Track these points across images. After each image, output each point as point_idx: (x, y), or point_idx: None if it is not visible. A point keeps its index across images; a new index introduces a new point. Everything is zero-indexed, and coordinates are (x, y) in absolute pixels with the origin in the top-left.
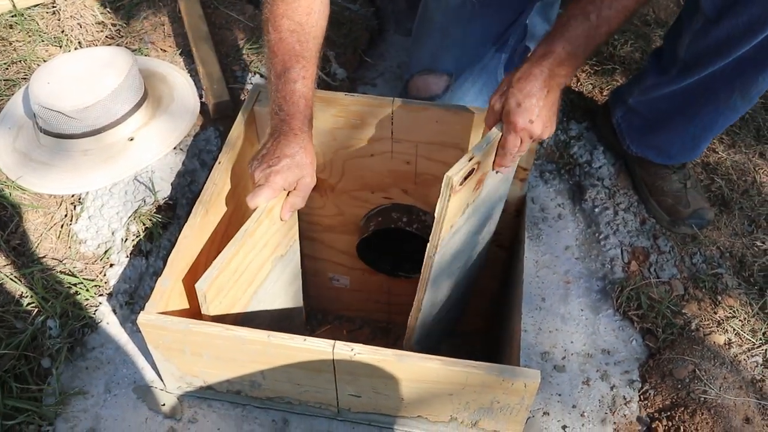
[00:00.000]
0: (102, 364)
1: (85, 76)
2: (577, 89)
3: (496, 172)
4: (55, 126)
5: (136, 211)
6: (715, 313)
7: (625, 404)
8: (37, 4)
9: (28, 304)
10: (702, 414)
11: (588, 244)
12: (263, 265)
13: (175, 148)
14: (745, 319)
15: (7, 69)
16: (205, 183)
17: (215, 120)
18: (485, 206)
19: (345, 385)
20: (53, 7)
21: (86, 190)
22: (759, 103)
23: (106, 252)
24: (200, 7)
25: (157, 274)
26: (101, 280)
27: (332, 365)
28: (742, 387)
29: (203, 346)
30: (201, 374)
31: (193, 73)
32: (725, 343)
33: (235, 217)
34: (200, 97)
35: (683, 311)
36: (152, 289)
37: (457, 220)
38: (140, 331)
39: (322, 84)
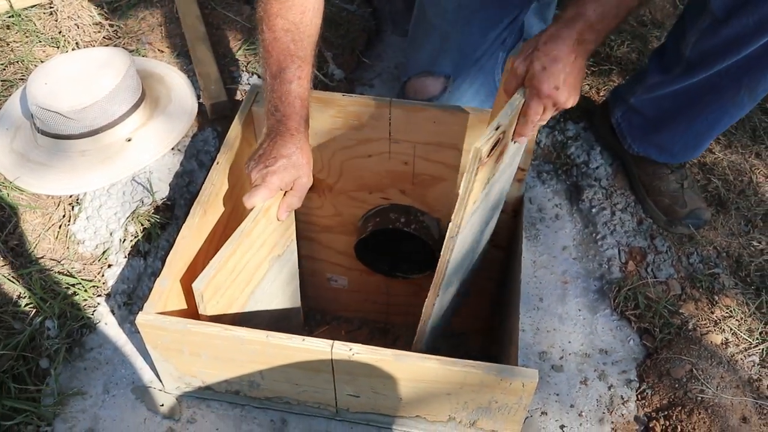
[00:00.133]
0: (100, 364)
1: (82, 76)
2: None
3: (514, 142)
4: (53, 127)
5: (134, 212)
6: (712, 312)
7: (623, 404)
8: (35, 5)
9: (27, 304)
10: (699, 413)
11: (585, 244)
12: (260, 264)
13: (172, 148)
14: (741, 318)
15: (4, 70)
16: (203, 183)
17: (213, 120)
18: (498, 188)
19: (343, 385)
20: (50, 7)
21: (84, 191)
22: (758, 106)
23: (104, 252)
24: (197, 7)
25: (156, 274)
26: (99, 281)
27: (331, 365)
28: (739, 386)
29: (202, 347)
30: (199, 374)
31: (191, 74)
32: (722, 343)
33: (233, 217)
34: (198, 97)
35: (680, 311)
36: (150, 289)
37: (480, 195)
38: (139, 332)
39: (320, 85)
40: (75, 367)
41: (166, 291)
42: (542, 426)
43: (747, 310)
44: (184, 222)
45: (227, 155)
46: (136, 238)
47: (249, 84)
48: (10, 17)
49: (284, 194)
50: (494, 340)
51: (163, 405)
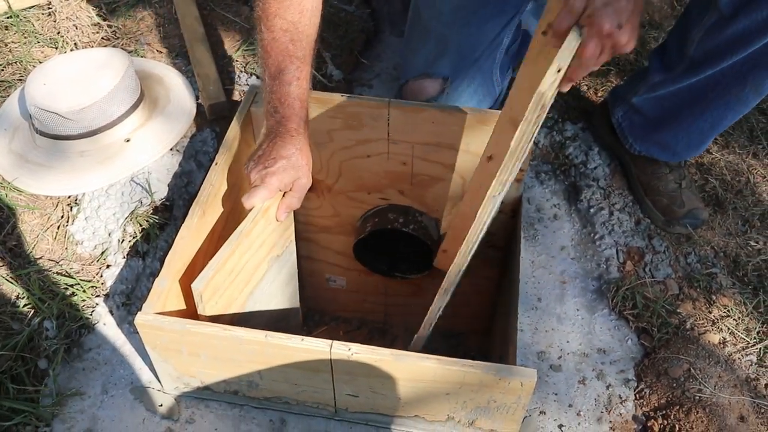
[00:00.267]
0: (99, 365)
1: (81, 77)
2: (571, 90)
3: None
4: (51, 127)
5: (132, 212)
6: (710, 312)
7: (621, 403)
8: (33, 6)
9: (25, 305)
10: (697, 412)
11: (583, 244)
12: (259, 265)
13: (171, 149)
14: (739, 318)
15: (2, 70)
16: (201, 184)
17: (211, 121)
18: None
19: (342, 385)
20: (49, 8)
21: (83, 192)
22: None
23: (102, 253)
24: (196, 8)
25: (154, 275)
26: (98, 281)
27: (330, 365)
28: (736, 385)
29: (200, 347)
30: (198, 374)
31: (190, 75)
32: (720, 342)
33: (232, 217)
34: (196, 98)
35: (678, 311)
36: (149, 289)
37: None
38: (137, 332)
39: (319, 85)
40: (73, 367)
41: (165, 291)
42: (541, 425)
43: (744, 310)
44: (182, 222)
45: (226, 156)
46: (135, 239)
47: (247, 84)
48: (8, 18)
49: (283, 195)
50: (493, 340)
51: (161, 405)
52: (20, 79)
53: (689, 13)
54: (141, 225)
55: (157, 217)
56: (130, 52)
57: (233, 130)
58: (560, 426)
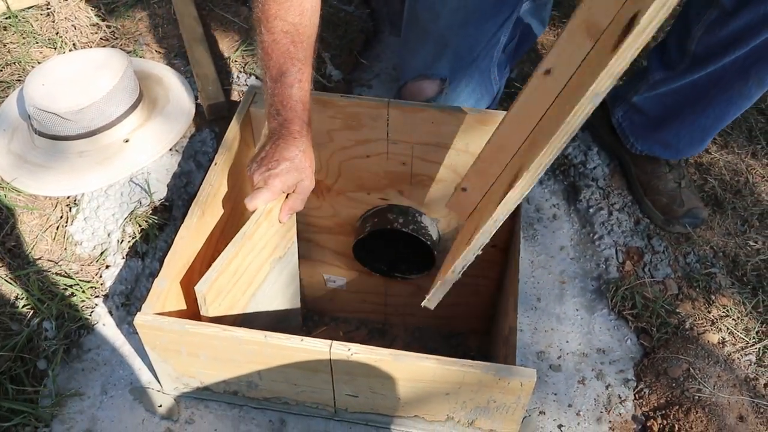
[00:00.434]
0: (98, 365)
1: (79, 77)
2: None
3: None
4: (50, 128)
5: (131, 213)
6: (709, 312)
7: (621, 403)
8: (32, 6)
9: (24, 305)
10: (696, 412)
11: (583, 244)
12: (262, 266)
13: (170, 149)
14: (738, 318)
15: (1, 71)
16: (201, 184)
17: (211, 121)
18: None
19: (342, 385)
20: (47, 8)
21: (82, 192)
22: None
23: (102, 253)
24: (195, 8)
25: (154, 275)
26: (97, 282)
27: (329, 365)
28: (735, 385)
29: (200, 347)
30: (198, 375)
31: (189, 75)
32: (719, 342)
33: (232, 218)
34: (195, 98)
35: (677, 310)
36: (148, 290)
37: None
38: (137, 333)
39: (318, 85)
40: (73, 368)
41: (165, 292)
42: (540, 425)
43: (744, 310)
44: (182, 223)
45: (225, 156)
46: (134, 239)
47: (246, 85)
48: (6, 18)
49: (286, 197)
50: (492, 340)
51: (161, 406)
52: (19, 80)
53: (689, 9)
54: (140, 225)
55: (156, 218)
56: (128, 52)
57: (232, 130)
58: (560, 426)
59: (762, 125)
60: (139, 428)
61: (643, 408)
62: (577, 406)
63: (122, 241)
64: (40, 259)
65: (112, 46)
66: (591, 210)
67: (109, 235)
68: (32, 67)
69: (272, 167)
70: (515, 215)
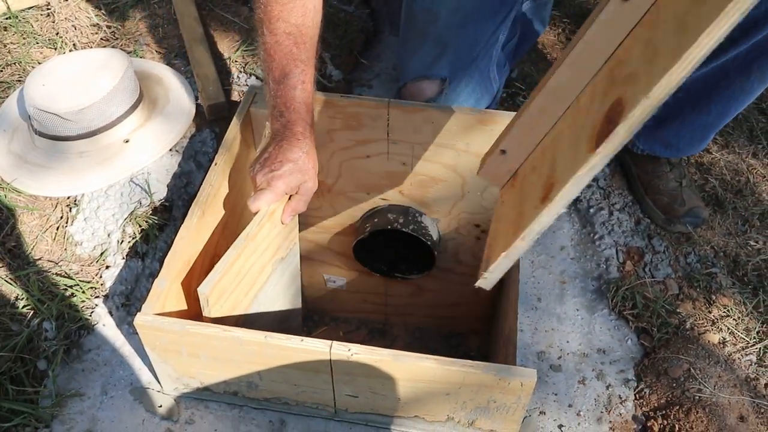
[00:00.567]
0: (98, 365)
1: (80, 78)
2: None
3: None
4: (51, 128)
5: (132, 213)
6: (710, 312)
7: (621, 403)
8: (32, 6)
9: (24, 306)
10: (697, 412)
11: (583, 244)
12: (264, 268)
13: (170, 149)
14: (739, 318)
15: (1, 71)
16: (201, 184)
17: (211, 121)
18: None
19: (342, 386)
20: (48, 9)
21: (82, 192)
22: (752, 104)
23: (102, 254)
24: (195, 8)
25: (154, 275)
26: (97, 282)
27: (329, 365)
28: (736, 385)
29: (200, 347)
30: (198, 375)
31: (189, 75)
32: (720, 342)
33: (232, 218)
34: (196, 98)
35: (678, 310)
36: (149, 290)
37: None
38: (137, 333)
39: (319, 86)
40: (73, 368)
41: (165, 292)
42: (541, 425)
43: (744, 310)
44: (182, 223)
45: (225, 156)
46: (134, 240)
47: (247, 85)
48: (7, 19)
49: (289, 198)
50: (492, 340)
51: (161, 406)
52: (19, 80)
53: None
54: (140, 226)
55: (156, 218)
56: (129, 52)
57: (233, 130)
58: (560, 426)
59: (763, 125)
60: (139, 428)
61: (643, 408)
62: (578, 407)
63: (122, 241)
64: (40, 259)
65: (113, 47)
66: (591, 210)
67: (109, 235)
68: (32, 67)
69: (275, 168)
70: None
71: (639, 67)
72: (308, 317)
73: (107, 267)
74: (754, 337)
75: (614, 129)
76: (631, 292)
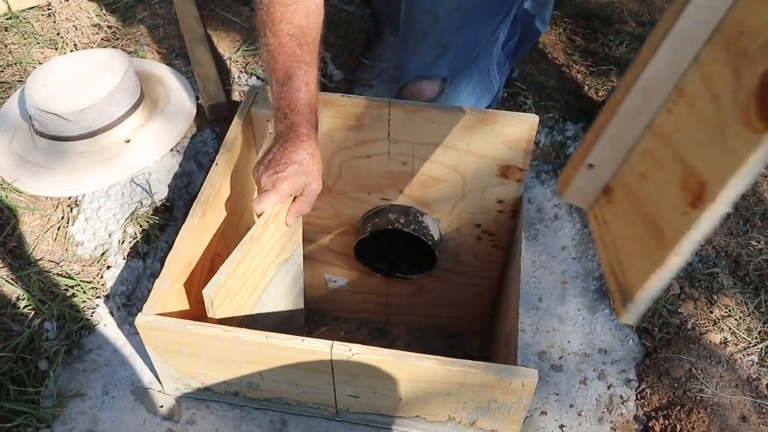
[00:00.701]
0: (99, 366)
1: (80, 78)
2: (572, 90)
3: None
4: (51, 128)
5: (132, 213)
6: (711, 312)
7: (622, 403)
8: (33, 7)
9: (25, 306)
10: (698, 412)
11: (584, 244)
12: (268, 269)
13: (171, 149)
14: (740, 318)
15: (2, 72)
16: (202, 185)
17: (212, 122)
18: None
19: (343, 386)
20: (48, 9)
21: (83, 192)
22: None
23: (103, 254)
24: (196, 8)
25: (155, 275)
26: (98, 282)
27: (330, 366)
28: (738, 385)
29: (201, 348)
30: (199, 375)
31: (190, 75)
32: (721, 342)
33: (233, 218)
34: (196, 98)
35: (679, 310)
36: (150, 290)
37: None
38: (138, 333)
39: (319, 85)
40: (74, 368)
41: (165, 292)
42: (542, 425)
43: (746, 310)
44: (183, 223)
45: (226, 156)
46: (135, 240)
47: (248, 85)
48: (8, 19)
49: (293, 200)
50: (493, 341)
51: (162, 406)
52: (20, 81)
53: None
54: (141, 226)
55: (157, 218)
56: (129, 52)
57: (233, 130)
58: (561, 426)
59: None
60: (140, 429)
61: (644, 408)
62: (579, 407)
63: (123, 241)
64: (41, 259)
65: (113, 47)
66: None
67: (110, 235)
68: (33, 67)
69: (280, 170)
70: (517, 215)
71: None
72: (309, 317)
73: (108, 267)
74: (756, 337)
75: None
76: None
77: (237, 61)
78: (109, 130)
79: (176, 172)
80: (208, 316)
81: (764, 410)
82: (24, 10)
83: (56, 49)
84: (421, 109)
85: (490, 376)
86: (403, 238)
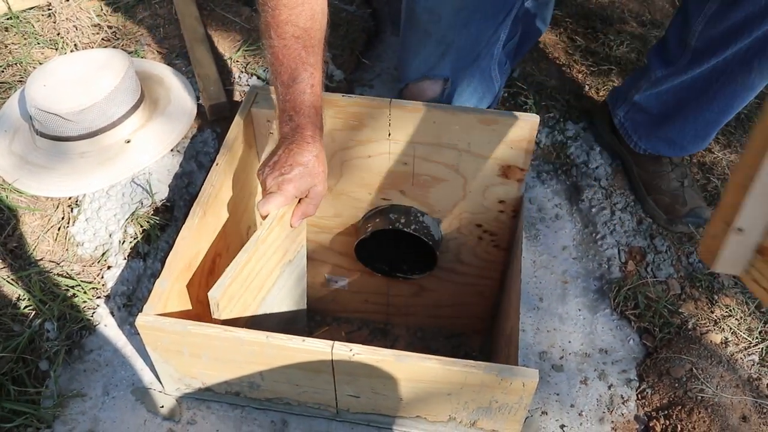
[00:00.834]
0: (100, 366)
1: (81, 78)
2: (573, 90)
3: None
4: (52, 128)
5: (133, 213)
6: (712, 312)
7: (623, 403)
8: (33, 7)
9: (26, 306)
10: (699, 412)
11: (585, 244)
12: (272, 271)
13: (172, 150)
14: (741, 317)
15: (2, 72)
16: (202, 185)
17: (212, 122)
18: None
19: (344, 386)
20: (49, 9)
21: (83, 193)
22: (754, 102)
23: (103, 254)
24: (196, 8)
25: (155, 276)
26: (99, 283)
27: (331, 366)
28: (738, 385)
29: (202, 348)
30: (199, 376)
31: (190, 75)
32: (722, 342)
33: (233, 218)
34: (197, 98)
35: (680, 310)
36: (150, 291)
37: None
38: (138, 333)
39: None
40: (74, 369)
41: (166, 292)
42: (543, 425)
43: (746, 310)
44: (183, 223)
45: (227, 156)
46: (136, 240)
47: (248, 85)
48: (8, 19)
49: (299, 201)
50: (494, 341)
51: (163, 406)
52: (20, 81)
53: (688, 4)
54: (142, 226)
55: (157, 218)
56: (130, 52)
57: (234, 130)
58: (562, 426)
59: None
60: (141, 429)
61: (645, 408)
62: (580, 407)
63: (124, 241)
64: (41, 260)
65: (114, 47)
66: (593, 210)
67: (110, 235)
68: (33, 67)
69: (286, 172)
70: (517, 215)
71: None
72: (310, 317)
73: (109, 267)
74: (757, 337)
75: None
76: (633, 292)
77: (237, 61)
78: (110, 131)
79: (177, 172)
80: (213, 317)
81: (765, 410)
82: (24, 11)
83: (56, 50)
84: (421, 109)
85: (491, 376)
86: (403, 238)
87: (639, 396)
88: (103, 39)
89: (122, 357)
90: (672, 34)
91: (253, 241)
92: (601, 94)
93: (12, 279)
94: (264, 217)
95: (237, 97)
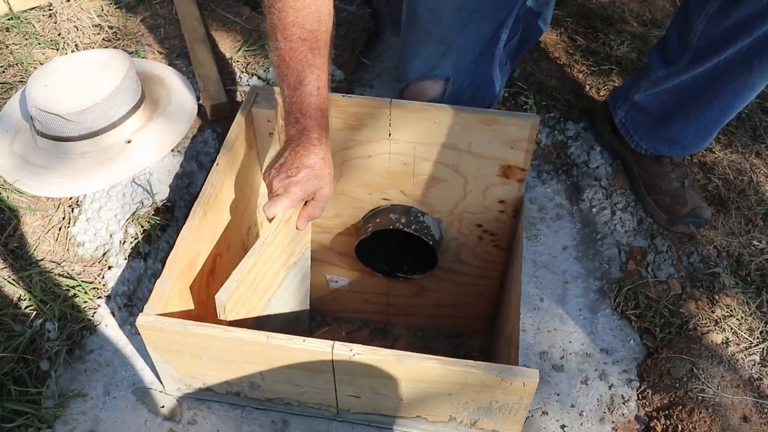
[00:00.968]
0: (101, 366)
1: (82, 78)
2: (573, 89)
3: None
4: (53, 129)
5: (134, 214)
6: (713, 312)
7: (624, 403)
8: (34, 7)
9: (27, 306)
10: (700, 412)
11: (586, 244)
12: (278, 273)
13: (172, 150)
14: (742, 318)
15: (3, 72)
16: (203, 185)
17: (213, 122)
18: None
19: (344, 386)
20: (50, 9)
21: (84, 193)
22: (755, 102)
23: (104, 254)
24: (197, 9)
25: (156, 276)
26: (99, 283)
27: (331, 366)
28: (739, 385)
29: (202, 348)
30: (200, 376)
31: (191, 75)
32: (723, 342)
33: (234, 218)
34: (197, 99)
35: (681, 310)
36: (151, 291)
37: None
38: (139, 333)
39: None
40: (75, 369)
41: (167, 292)
42: (543, 426)
43: (747, 310)
44: (183, 223)
45: (227, 157)
46: (136, 240)
47: (249, 85)
48: (9, 20)
49: (305, 204)
50: (495, 341)
51: (163, 406)
52: (21, 81)
53: (689, 3)
54: (142, 226)
55: (158, 218)
56: (130, 53)
57: (234, 131)
58: (562, 426)
59: (766, 124)
60: (141, 429)
61: (646, 408)
62: (580, 407)
63: (124, 241)
64: (42, 260)
65: (114, 47)
66: (594, 210)
67: (111, 236)
68: (34, 68)
69: (292, 174)
70: (518, 215)
71: None
72: (311, 317)
73: (109, 267)
74: (758, 337)
75: None
76: (634, 292)
77: (238, 62)
78: (110, 131)
79: (177, 173)
80: (219, 319)
81: (766, 410)
82: (25, 11)
83: (57, 50)
84: (421, 109)
85: (491, 376)
86: (404, 238)
87: (639, 396)
88: (103, 39)
89: (123, 357)
90: (673, 33)
91: (260, 243)
92: (601, 93)
93: (13, 279)
94: (270, 220)
95: (237, 97)
